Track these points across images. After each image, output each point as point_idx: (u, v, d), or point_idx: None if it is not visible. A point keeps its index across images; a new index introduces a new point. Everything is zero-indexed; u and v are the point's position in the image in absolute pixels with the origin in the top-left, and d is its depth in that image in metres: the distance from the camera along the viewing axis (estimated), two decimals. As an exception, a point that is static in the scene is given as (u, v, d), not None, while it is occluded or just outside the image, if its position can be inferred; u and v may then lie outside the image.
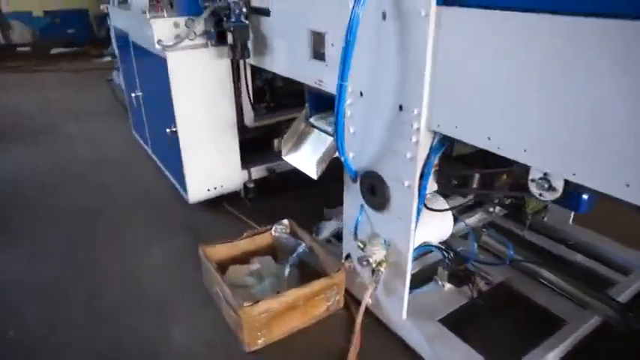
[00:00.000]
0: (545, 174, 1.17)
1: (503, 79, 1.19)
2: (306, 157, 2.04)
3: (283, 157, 2.20)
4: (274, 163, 3.09)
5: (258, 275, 2.14)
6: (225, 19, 2.30)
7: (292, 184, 3.13)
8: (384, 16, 1.46)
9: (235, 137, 2.84)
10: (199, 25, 2.55)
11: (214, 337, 1.94)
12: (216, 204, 2.96)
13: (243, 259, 2.26)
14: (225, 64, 2.64)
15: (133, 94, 3.41)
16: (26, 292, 2.25)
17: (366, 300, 1.78)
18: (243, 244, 2.26)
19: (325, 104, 2.12)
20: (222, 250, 2.19)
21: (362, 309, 1.78)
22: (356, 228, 1.87)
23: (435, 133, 1.48)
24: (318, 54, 1.86)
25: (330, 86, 1.87)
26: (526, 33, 1.12)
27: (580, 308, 1.88)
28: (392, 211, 1.69)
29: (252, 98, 2.65)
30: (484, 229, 2.16)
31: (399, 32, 1.42)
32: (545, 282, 1.95)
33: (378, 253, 1.74)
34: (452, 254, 1.95)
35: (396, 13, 1.41)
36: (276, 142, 2.81)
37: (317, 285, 1.93)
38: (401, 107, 1.51)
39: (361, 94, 1.66)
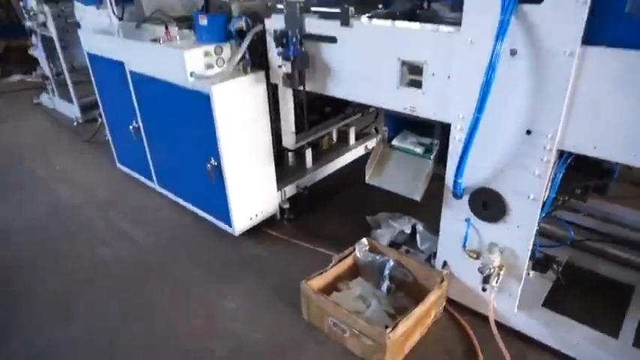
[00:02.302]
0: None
1: (653, 107, 1.41)
2: (399, 180, 2.13)
3: (367, 181, 2.26)
4: (302, 179, 3.12)
5: (363, 299, 2.21)
6: (281, 47, 2.25)
7: (319, 197, 3.19)
8: (513, 53, 1.60)
9: (272, 161, 2.82)
10: (228, 51, 2.47)
11: (348, 368, 2.00)
12: (257, 231, 2.91)
13: (333, 285, 2.31)
14: (262, 89, 2.59)
15: (130, 127, 3.14)
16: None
17: (492, 304, 1.97)
18: (333, 271, 2.30)
19: (402, 126, 2.22)
20: (318, 282, 2.21)
21: (492, 316, 1.96)
22: (465, 240, 2.03)
23: (563, 151, 1.68)
24: (412, 82, 1.95)
25: (424, 112, 1.97)
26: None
27: (634, 270, 2.27)
28: (509, 222, 1.88)
29: (295, 121, 2.63)
30: (540, 216, 2.44)
31: (533, 67, 1.57)
32: (608, 255, 2.29)
33: (496, 260, 1.92)
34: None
35: (532, 51, 1.55)
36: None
37: (432, 297, 2.07)
38: (529, 132, 1.67)
39: (475, 120, 1.79)
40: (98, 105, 4.00)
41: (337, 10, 2.07)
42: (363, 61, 2.08)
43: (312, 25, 2.20)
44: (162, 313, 2.36)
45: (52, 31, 4.43)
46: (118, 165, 3.73)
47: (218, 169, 2.58)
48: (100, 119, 4.13)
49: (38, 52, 4.94)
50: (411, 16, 2.74)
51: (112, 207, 3.31)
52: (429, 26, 1.84)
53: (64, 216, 3.24)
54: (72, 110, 4.91)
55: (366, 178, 2.25)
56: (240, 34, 2.45)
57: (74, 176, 3.80)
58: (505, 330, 2.08)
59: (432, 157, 2.09)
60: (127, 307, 2.41)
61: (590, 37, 1.45)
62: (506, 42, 1.56)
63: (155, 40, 2.61)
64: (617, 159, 1.55)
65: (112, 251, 2.85)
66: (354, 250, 2.38)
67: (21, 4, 4.60)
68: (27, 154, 4.24)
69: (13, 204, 3.43)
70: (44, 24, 4.45)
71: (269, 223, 2.97)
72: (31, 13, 4.47)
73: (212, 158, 2.57)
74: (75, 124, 4.83)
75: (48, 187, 3.64)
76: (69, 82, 4.72)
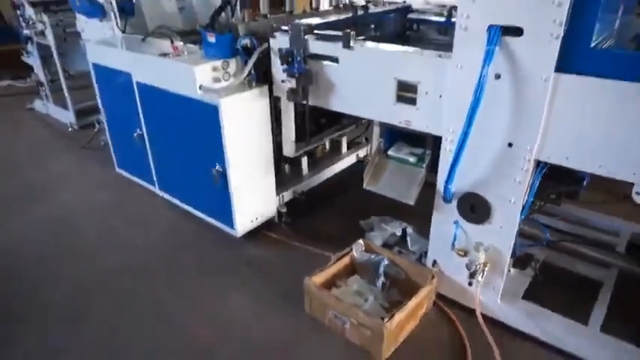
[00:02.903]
0: (647, 187, 1.70)
1: (617, 126, 1.67)
2: (394, 187, 2.35)
3: (365, 187, 2.48)
4: (299, 185, 3.32)
5: (360, 294, 2.42)
6: (286, 64, 2.45)
7: (314, 202, 3.39)
8: (497, 77, 1.84)
9: (272, 168, 3.02)
10: (234, 66, 2.67)
11: (348, 357, 2.20)
12: (256, 233, 3.09)
13: (332, 281, 2.51)
14: (265, 102, 2.78)
15: (134, 134, 3.29)
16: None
17: (478, 297, 2.20)
18: (333, 269, 2.50)
19: (397, 138, 2.45)
20: (319, 278, 2.41)
21: (478, 307, 2.20)
22: (454, 240, 2.26)
23: (540, 162, 1.93)
24: (407, 99, 2.17)
25: (418, 125, 2.21)
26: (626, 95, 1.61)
27: (603, 267, 2.55)
28: (493, 223, 2.12)
29: (296, 132, 2.84)
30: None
31: (514, 90, 1.82)
32: (580, 254, 2.56)
33: (482, 257, 2.16)
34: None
35: (513, 76, 1.80)
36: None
37: (424, 292, 2.29)
38: (510, 144, 1.92)
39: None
40: (95, 111, 4.15)
41: (339, 34, 2.30)
42: (362, 80, 2.31)
43: (316, 46, 2.42)
44: (169, 313, 2.50)
45: (50, 40, 4.53)
46: (117, 169, 3.86)
47: (223, 175, 2.76)
48: (97, 125, 4.26)
49: (33, 60, 5.01)
50: (401, 38, 3.02)
51: (114, 211, 3.44)
52: (423, 51, 2.08)
53: (65, 222, 3.34)
54: (66, 116, 5.00)
55: (364, 184, 2.47)
56: (246, 50, 2.65)
57: (73, 182, 3.90)
58: (489, 320, 2.31)
59: (424, 165, 2.33)
60: (133, 310, 2.53)
61: (563, 66, 1.70)
62: (492, 67, 1.80)
63: (164, 55, 2.79)
64: (585, 168, 1.81)
65: (116, 256, 2.96)
66: (351, 250, 2.59)
67: (18, 12, 4.68)
68: (24, 160, 4.32)
69: (10, 216, 3.46)
70: (42, 32, 4.55)
71: (268, 226, 3.15)
72: (30, 22, 4.56)
73: (217, 164, 2.75)
74: (70, 129, 4.92)
75: (47, 193, 3.72)
76: (65, 88, 4.81)
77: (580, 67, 1.66)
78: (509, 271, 2.47)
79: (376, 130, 3.63)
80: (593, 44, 1.64)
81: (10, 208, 3.55)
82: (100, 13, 3.55)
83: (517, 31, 1.72)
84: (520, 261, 2.50)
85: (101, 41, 3.42)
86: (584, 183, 2.11)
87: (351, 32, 2.25)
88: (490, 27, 1.76)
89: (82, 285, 2.72)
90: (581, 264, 2.59)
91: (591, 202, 2.95)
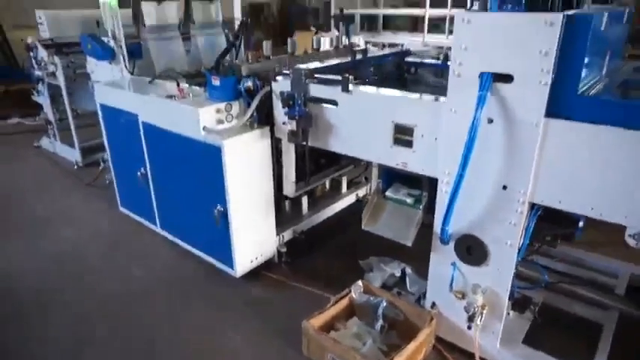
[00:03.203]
0: (641, 231, 1.71)
1: (607, 170, 1.71)
2: (392, 227, 2.38)
3: (364, 228, 2.50)
4: (298, 224, 3.33)
5: (359, 337, 2.39)
6: (287, 107, 2.53)
7: (314, 242, 3.40)
8: (490, 121, 1.90)
9: (273, 208, 3.04)
10: (237, 108, 2.75)
11: (346, 401, 2.15)
12: (256, 274, 3.08)
13: (331, 324, 2.49)
14: (267, 143, 2.85)
15: (138, 173, 3.35)
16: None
17: (477, 341, 2.17)
18: (332, 311, 2.48)
19: (395, 179, 2.49)
20: (317, 321, 2.39)
21: (477, 352, 2.16)
22: (452, 282, 2.26)
23: (534, 204, 1.95)
24: (404, 141, 2.23)
25: (414, 167, 2.25)
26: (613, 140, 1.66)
27: (602, 309, 2.52)
28: (490, 265, 2.12)
29: (296, 173, 2.89)
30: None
31: (507, 134, 1.87)
32: (579, 296, 2.54)
33: (480, 300, 2.15)
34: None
35: (506, 121, 1.86)
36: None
37: (423, 335, 2.26)
38: (505, 187, 1.96)
39: (459, 176, 2.07)
40: (99, 150, 4.24)
41: (338, 78, 2.39)
42: (360, 122, 2.38)
43: (316, 89, 2.50)
44: (167, 352, 2.48)
45: (61, 80, 4.68)
46: (121, 208, 3.89)
47: (224, 215, 2.79)
48: (102, 164, 4.33)
49: (43, 99, 5.17)
50: (399, 81, 3.12)
51: (116, 249, 3.45)
52: (420, 96, 2.16)
53: (67, 259, 3.35)
54: (72, 154, 5.10)
55: (363, 225, 2.49)
56: (249, 93, 2.74)
57: (77, 219, 3.93)
58: (489, 366, 2.28)
59: (421, 207, 2.36)
60: (132, 348, 2.52)
61: (552, 111, 1.76)
62: (484, 112, 1.86)
63: (170, 97, 2.88)
64: (578, 211, 1.84)
65: (116, 292, 2.96)
66: (350, 291, 2.57)
67: (31, 54, 4.87)
68: (29, 197, 4.37)
69: (15, 247, 3.51)
70: (53, 73, 4.71)
71: (267, 265, 3.15)
72: (42, 64, 4.74)
73: (219, 204, 2.79)
74: (75, 167, 5.01)
75: (51, 229, 3.75)
76: (72, 127, 4.93)
77: (568, 112, 1.72)
78: (509, 314, 2.45)
79: (375, 170, 3.70)
80: (580, 91, 1.70)
81: (15, 241, 3.59)
82: (109, 55, 3.70)
83: (507, 78, 1.79)
84: (519, 304, 2.48)
85: (109, 83, 3.54)
86: (580, 225, 2.13)
87: (350, 77, 2.34)
88: (482, 74, 1.83)
89: (82, 318, 2.75)
90: (580, 306, 2.57)
91: (590, 244, 2.95)
